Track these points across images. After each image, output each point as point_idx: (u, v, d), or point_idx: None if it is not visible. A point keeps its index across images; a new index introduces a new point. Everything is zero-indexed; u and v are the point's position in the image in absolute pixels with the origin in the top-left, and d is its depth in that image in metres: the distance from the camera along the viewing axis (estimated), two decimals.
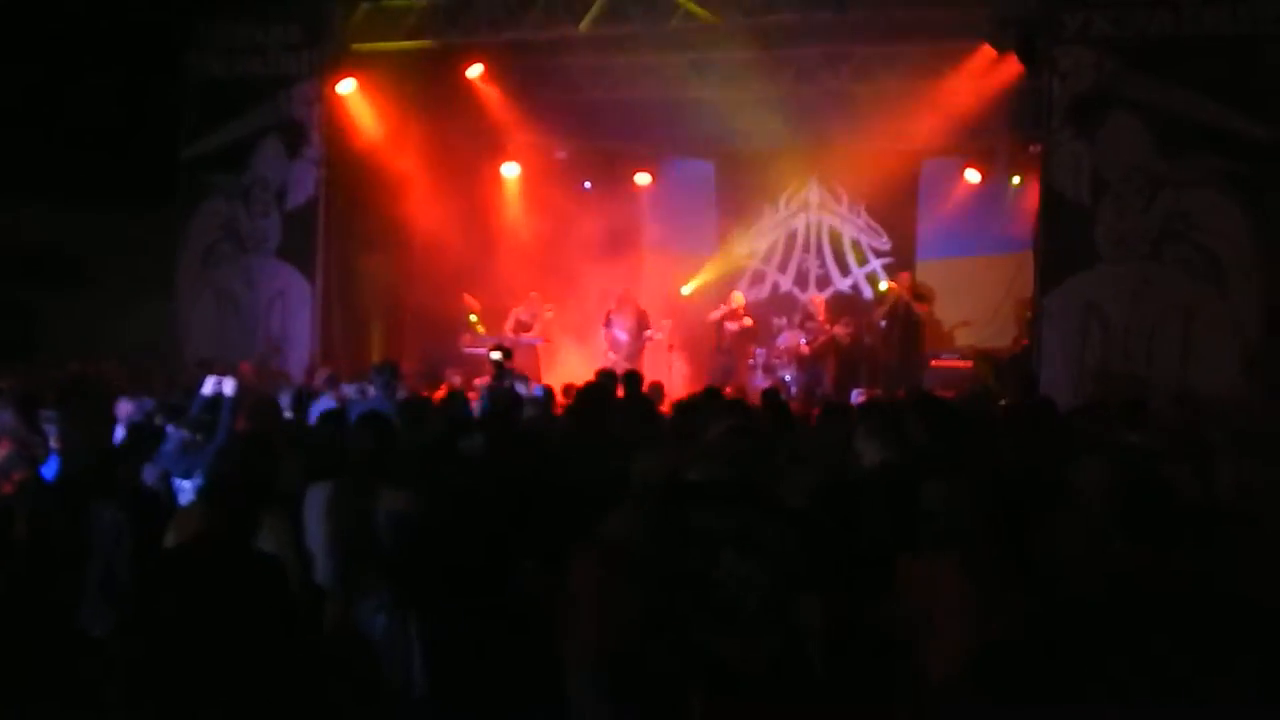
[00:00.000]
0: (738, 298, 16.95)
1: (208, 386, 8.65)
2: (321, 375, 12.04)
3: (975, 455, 6.63)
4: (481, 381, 13.44)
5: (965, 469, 6.00)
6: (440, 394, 11.66)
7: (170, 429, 8.26)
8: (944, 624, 5.06)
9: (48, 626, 6.26)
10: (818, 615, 5.34)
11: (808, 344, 16.18)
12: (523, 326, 16.41)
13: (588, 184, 17.99)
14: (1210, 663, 4.33)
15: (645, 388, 11.05)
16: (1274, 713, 4.29)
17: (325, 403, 10.17)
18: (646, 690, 5.47)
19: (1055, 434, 7.95)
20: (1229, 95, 11.47)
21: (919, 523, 5.36)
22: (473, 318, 16.64)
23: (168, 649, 5.02)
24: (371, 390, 10.40)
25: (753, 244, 18.40)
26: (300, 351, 14.68)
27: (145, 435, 7.80)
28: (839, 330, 16.27)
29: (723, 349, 16.59)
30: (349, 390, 10.77)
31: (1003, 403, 11.04)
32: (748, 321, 16.67)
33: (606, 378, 10.86)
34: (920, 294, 15.73)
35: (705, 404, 8.95)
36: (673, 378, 14.84)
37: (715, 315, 16.70)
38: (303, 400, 10.37)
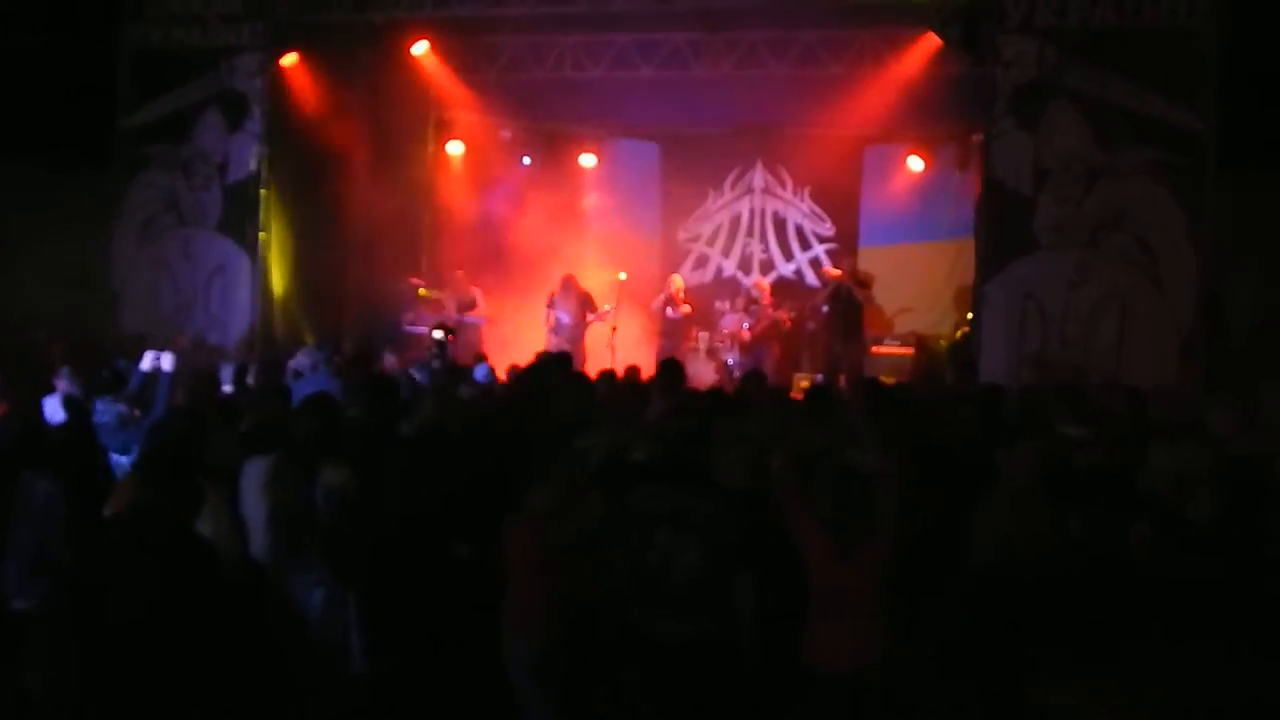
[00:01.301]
0: (677, 281, 16.92)
1: (146, 362, 8.57)
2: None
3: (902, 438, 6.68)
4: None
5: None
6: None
7: (101, 404, 8.18)
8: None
9: None
10: (750, 593, 5.39)
11: (750, 328, 16.21)
12: (465, 306, 16.34)
13: (526, 159, 17.92)
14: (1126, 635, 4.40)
15: (582, 368, 11.06)
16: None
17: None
18: (581, 662, 5.50)
19: (995, 419, 8.04)
20: (1167, 87, 11.63)
21: None
22: (422, 291, 16.54)
23: (98, 622, 4.98)
24: (305, 361, 10.36)
25: (696, 227, 18.42)
26: (239, 326, 14.55)
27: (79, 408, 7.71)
28: (781, 315, 16.32)
29: (664, 332, 16.57)
30: (302, 362, 10.66)
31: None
32: (686, 309, 16.67)
33: (547, 359, 10.83)
34: (861, 280, 15.80)
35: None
36: (615, 360, 14.82)
37: (656, 304, 16.67)
38: (242, 375, 10.30)
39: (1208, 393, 10.53)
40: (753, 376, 9.90)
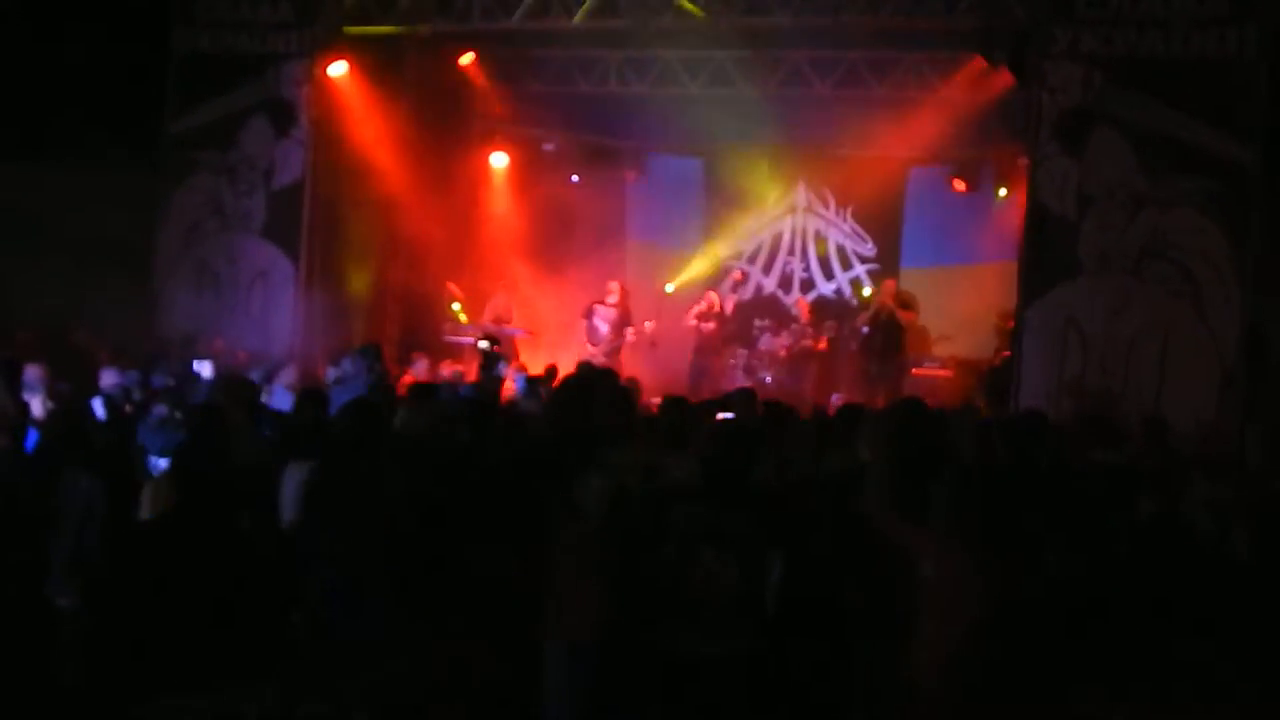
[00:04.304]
0: (712, 297, 16.89)
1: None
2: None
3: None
4: (451, 368, 13.43)
5: None
6: (407, 379, 11.66)
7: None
8: None
9: (14, 595, 6.25)
10: (787, 609, 5.39)
11: (788, 348, 16.19)
12: (502, 319, 16.39)
13: (575, 177, 17.96)
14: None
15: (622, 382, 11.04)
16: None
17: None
18: (614, 676, 5.51)
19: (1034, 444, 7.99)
20: (1214, 117, 11.52)
21: None
22: (455, 306, 16.61)
23: (132, 619, 5.03)
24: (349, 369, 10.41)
25: (738, 245, 18.44)
26: (280, 332, 14.62)
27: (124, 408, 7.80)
28: (819, 338, 16.32)
29: (700, 348, 16.55)
30: (329, 372, 10.75)
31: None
32: (719, 305, 16.57)
33: (587, 369, 10.84)
34: (904, 302, 15.77)
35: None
36: (653, 374, 14.85)
37: (691, 319, 16.61)
38: (269, 379, 10.37)
39: (1247, 426, 10.47)
40: (740, 394, 9.84)
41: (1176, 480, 6.64)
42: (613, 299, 16.07)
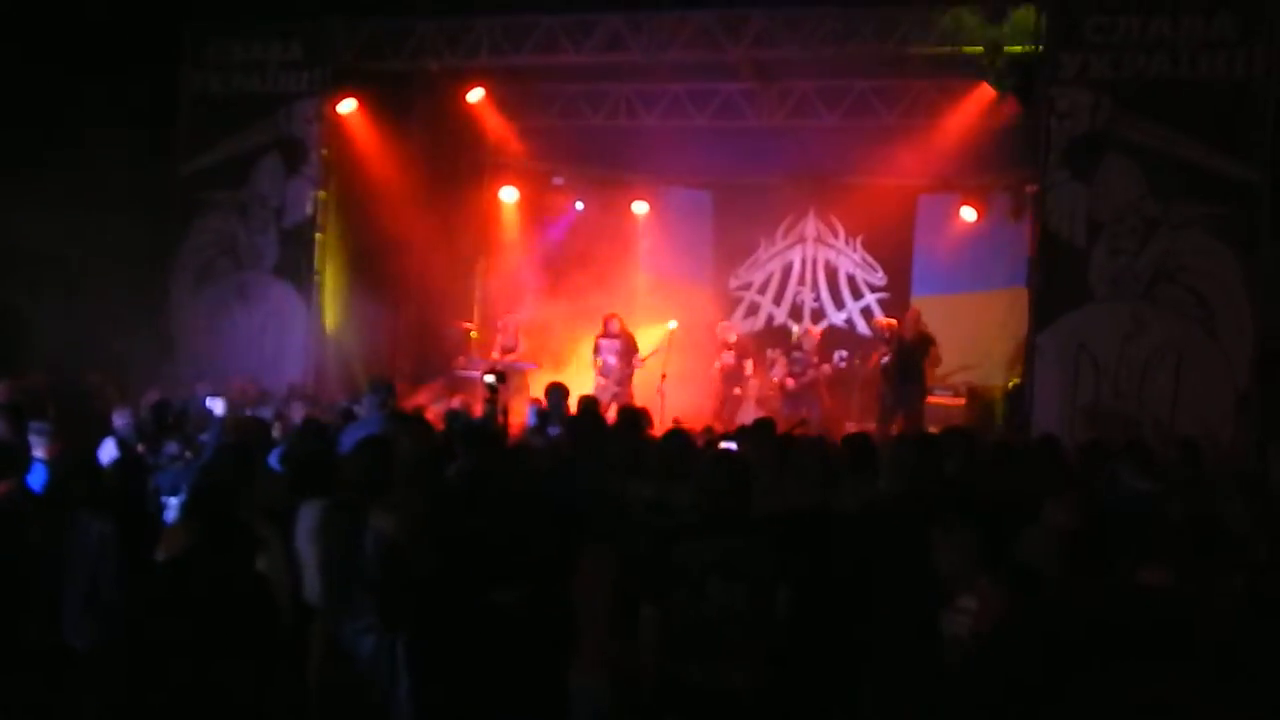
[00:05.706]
0: (721, 329, 16.76)
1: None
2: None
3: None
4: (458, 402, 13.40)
5: None
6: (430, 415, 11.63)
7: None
8: None
9: (30, 638, 6.23)
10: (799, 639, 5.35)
11: (795, 377, 16.09)
12: (508, 349, 16.37)
13: (580, 204, 17.99)
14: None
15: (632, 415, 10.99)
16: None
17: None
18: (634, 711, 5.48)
19: (1052, 469, 7.95)
20: (1223, 140, 11.56)
21: None
22: (474, 334, 16.63)
23: (150, 664, 5.01)
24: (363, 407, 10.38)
25: (748, 275, 18.44)
26: (293, 369, 14.64)
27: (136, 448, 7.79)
28: (825, 368, 16.22)
29: (726, 379, 16.42)
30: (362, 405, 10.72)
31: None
32: (733, 337, 16.52)
33: (593, 403, 10.80)
34: (925, 335, 15.63)
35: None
36: (664, 406, 14.79)
37: (717, 365, 16.45)
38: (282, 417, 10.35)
39: (1262, 446, 10.42)
40: (759, 424, 9.79)
41: (1213, 498, 6.64)
42: (614, 330, 16.04)
